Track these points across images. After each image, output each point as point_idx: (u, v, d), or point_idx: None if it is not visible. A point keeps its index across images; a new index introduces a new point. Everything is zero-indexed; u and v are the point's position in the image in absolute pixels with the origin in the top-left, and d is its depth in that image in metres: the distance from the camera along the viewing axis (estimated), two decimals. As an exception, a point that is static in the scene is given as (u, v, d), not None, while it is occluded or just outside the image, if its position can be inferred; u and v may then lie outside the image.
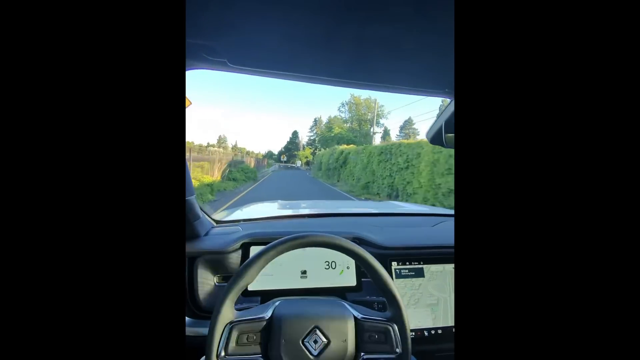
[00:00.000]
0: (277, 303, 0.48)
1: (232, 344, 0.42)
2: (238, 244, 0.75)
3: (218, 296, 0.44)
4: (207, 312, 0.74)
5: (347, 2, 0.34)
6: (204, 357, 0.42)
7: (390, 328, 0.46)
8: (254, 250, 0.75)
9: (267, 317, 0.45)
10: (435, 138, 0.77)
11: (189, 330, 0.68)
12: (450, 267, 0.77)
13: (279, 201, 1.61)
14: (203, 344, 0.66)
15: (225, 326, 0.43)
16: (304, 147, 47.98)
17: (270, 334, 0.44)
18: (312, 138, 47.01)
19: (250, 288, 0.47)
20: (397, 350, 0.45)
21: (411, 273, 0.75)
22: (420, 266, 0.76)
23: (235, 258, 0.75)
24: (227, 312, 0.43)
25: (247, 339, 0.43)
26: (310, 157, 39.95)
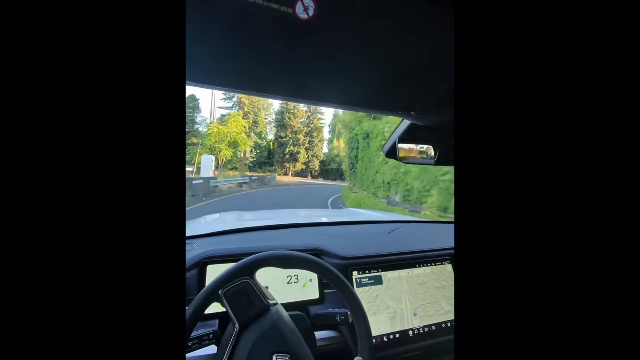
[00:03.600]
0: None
1: None
2: (193, 264, 0.70)
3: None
4: None
5: (304, 25, 0.35)
6: None
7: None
8: (212, 269, 0.70)
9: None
10: (390, 152, 0.83)
11: None
12: (404, 273, 0.82)
13: (237, 212, 1.55)
14: None
15: None
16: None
17: None
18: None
19: (206, 311, 0.44)
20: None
21: (370, 281, 0.78)
22: (378, 274, 0.79)
23: (189, 280, 0.69)
24: None
25: None
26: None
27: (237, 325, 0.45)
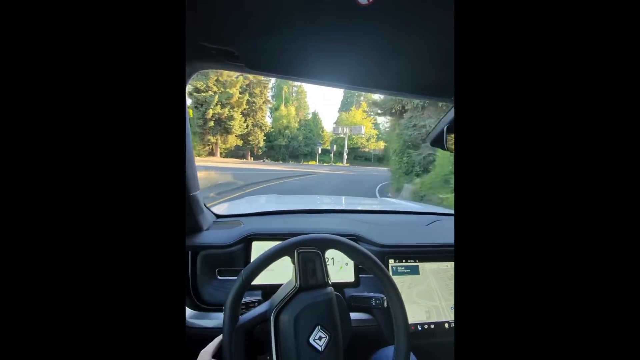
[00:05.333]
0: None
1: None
2: (240, 239, 0.76)
3: (225, 300, 0.46)
4: (208, 305, 0.76)
5: (364, 10, 0.35)
6: (211, 342, 0.44)
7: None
8: (256, 245, 0.77)
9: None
10: (437, 141, 0.79)
11: (192, 322, 0.70)
12: (443, 265, 0.80)
13: (278, 195, 1.62)
14: (204, 335, 0.68)
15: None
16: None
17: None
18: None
19: (252, 282, 0.48)
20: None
21: (407, 270, 0.77)
22: (415, 264, 0.78)
23: (237, 253, 0.76)
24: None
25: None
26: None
27: (297, 285, 0.49)
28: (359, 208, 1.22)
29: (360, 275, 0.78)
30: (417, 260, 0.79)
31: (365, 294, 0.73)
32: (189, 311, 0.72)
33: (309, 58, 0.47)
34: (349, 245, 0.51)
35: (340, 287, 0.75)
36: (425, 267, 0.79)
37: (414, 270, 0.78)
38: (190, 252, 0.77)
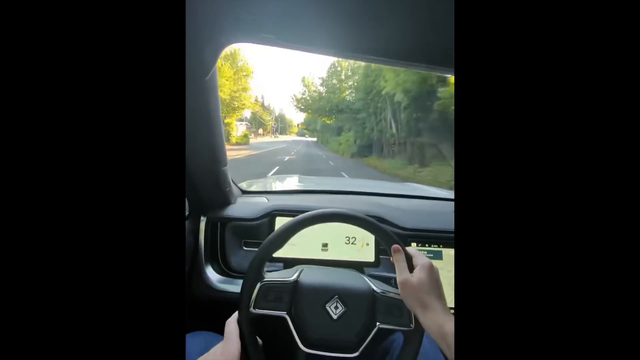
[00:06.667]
0: (302, 269, 0.52)
1: (261, 301, 0.47)
2: (265, 214, 0.79)
3: (250, 259, 0.49)
4: (235, 272, 0.81)
5: None
6: (236, 311, 0.47)
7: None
8: (280, 220, 0.79)
9: (293, 281, 0.49)
10: None
11: (219, 286, 0.76)
12: None
13: (301, 176, 1.64)
14: (231, 298, 0.74)
15: (257, 285, 0.47)
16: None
17: (294, 295, 0.48)
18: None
19: (274, 255, 0.50)
20: (411, 325, 0.47)
21: (430, 255, 0.76)
22: (439, 249, 0.77)
23: (261, 226, 0.80)
24: (259, 272, 0.48)
25: (274, 298, 0.48)
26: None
27: None
28: (384, 191, 1.20)
29: (380, 256, 0.78)
30: (440, 246, 0.77)
31: (385, 273, 0.74)
32: (216, 276, 0.78)
33: (341, 31, 0.45)
34: (369, 222, 0.51)
35: (360, 266, 0.76)
36: (449, 253, 0.77)
37: (437, 255, 0.76)
38: (219, 223, 0.81)
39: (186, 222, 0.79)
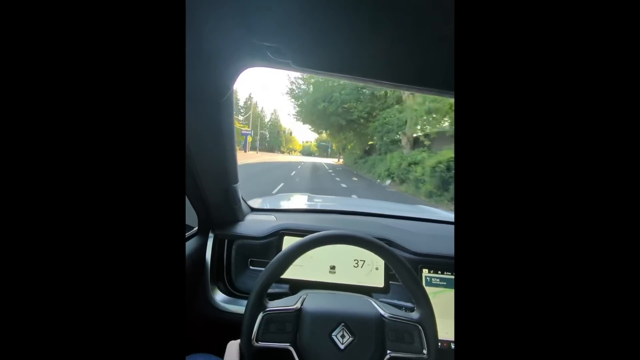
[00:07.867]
0: (305, 296, 0.50)
1: (264, 333, 0.45)
2: (272, 232, 0.79)
3: (253, 284, 0.47)
4: (239, 292, 0.79)
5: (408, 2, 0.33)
6: (238, 340, 0.46)
7: (418, 329, 0.46)
8: (288, 239, 0.78)
9: (297, 309, 0.47)
10: None
11: (223, 306, 0.74)
12: None
13: (310, 195, 1.64)
14: (234, 320, 0.71)
15: (259, 315, 0.46)
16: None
17: (299, 324, 0.46)
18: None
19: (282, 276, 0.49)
20: (424, 352, 0.44)
21: (442, 283, 0.72)
22: (452, 277, 0.73)
23: (268, 245, 0.79)
24: (261, 302, 0.46)
25: (277, 328, 0.45)
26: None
27: None
28: (393, 213, 1.18)
29: (390, 282, 0.75)
30: (454, 273, 0.73)
31: (395, 301, 0.70)
32: (221, 295, 0.76)
33: (355, 55, 0.46)
34: (379, 245, 0.49)
35: (368, 291, 0.73)
36: (463, 281, 0.73)
37: (450, 284, 0.72)
38: (226, 241, 0.81)
39: (194, 238, 0.79)
